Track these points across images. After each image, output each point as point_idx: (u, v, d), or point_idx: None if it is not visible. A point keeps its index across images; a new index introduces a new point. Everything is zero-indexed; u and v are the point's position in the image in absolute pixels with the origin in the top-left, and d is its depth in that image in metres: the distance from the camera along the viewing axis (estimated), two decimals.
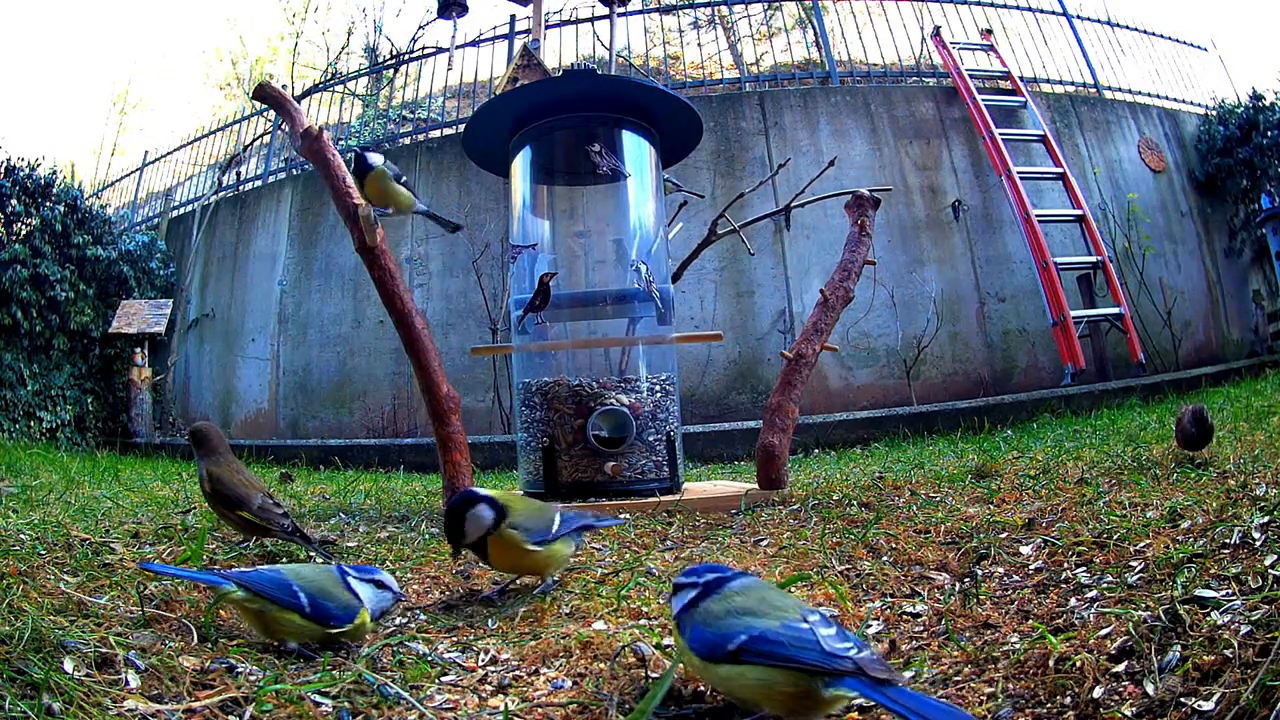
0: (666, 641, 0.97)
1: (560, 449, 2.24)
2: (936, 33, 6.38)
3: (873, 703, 0.66)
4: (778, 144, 5.66)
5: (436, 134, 6.78)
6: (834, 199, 2.99)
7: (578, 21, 6.64)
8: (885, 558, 1.36)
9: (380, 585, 1.05)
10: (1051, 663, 0.81)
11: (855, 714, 0.80)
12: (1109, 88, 6.79)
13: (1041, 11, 6.96)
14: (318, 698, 0.82)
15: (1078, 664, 0.80)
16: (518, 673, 0.93)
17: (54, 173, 6.40)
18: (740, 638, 0.69)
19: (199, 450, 1.54)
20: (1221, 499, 1.31)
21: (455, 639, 1.06)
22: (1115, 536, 1.21)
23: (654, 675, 0.89)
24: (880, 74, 6.46)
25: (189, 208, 7.66)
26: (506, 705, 0.84)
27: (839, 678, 0.65)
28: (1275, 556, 0.95)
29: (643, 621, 1.09)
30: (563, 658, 0.97)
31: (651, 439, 2.28)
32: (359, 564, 1.29)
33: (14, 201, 6.02)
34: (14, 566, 1.14)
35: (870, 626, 1.03)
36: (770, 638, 0.68)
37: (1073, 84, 6.72)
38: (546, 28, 3.38)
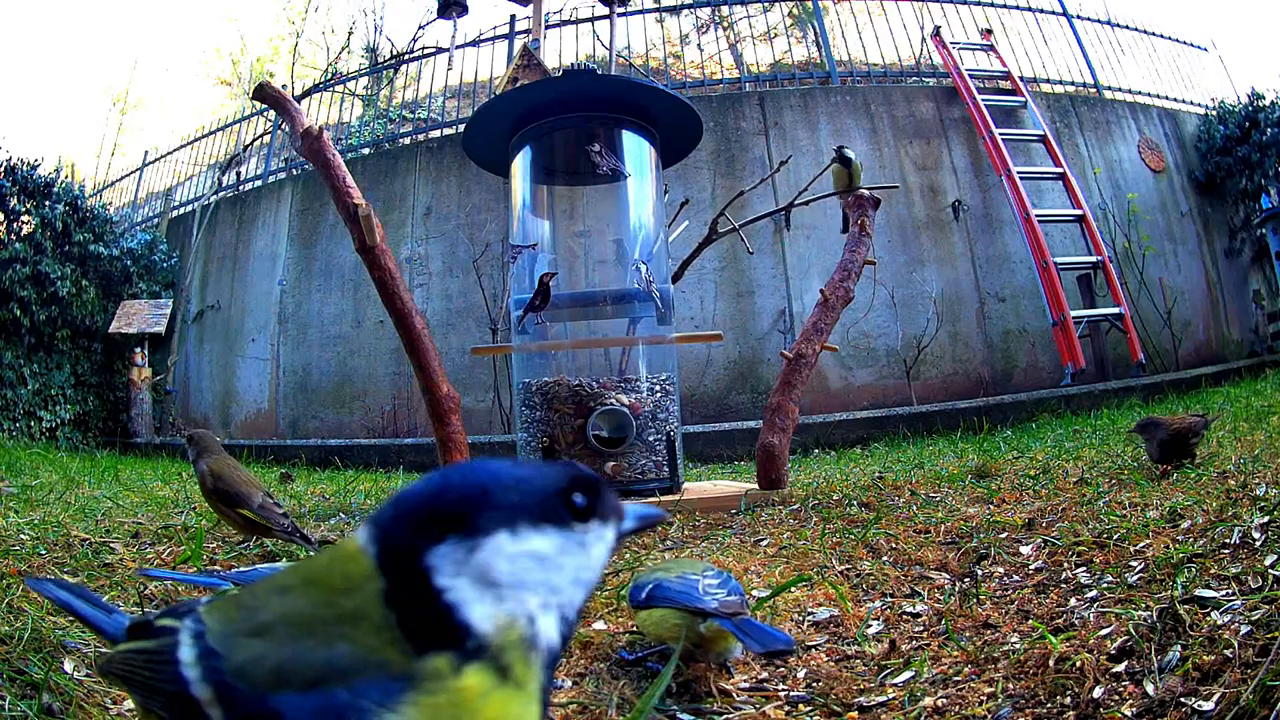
0: None
1: (560, 449, 2.24)
2: (936, 33, 6.38)
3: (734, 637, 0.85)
4: (778, 144, 5.66)
5: (436, 134, 6.78)
6: (834, 199, 2.99)
7: (578, 21, 6.64)
8: (885, 558, 1.36)
9: None
10: (1051, 663, 0.81)
11: (855, 714, 0.80)
12: (1109, 88, 6.79)
13: (1041, 11, 6.96)
14: None
15: (1078, 664, 0.80)
16: None
17: (55, 172, 6.40)
18: (649, 587, 0.91)
19: (196, 451, 1.54)
20: (1221, 499, 1.31)
21: None
22: (1115, 536, 1.21)
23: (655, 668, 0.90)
24: (880, 74, 6.46)
25: (189, 208, 7.66)
26: None
27: (707, 616, 0.85)
28: (1275, 556, 0.95)
29: None
30: (563, 657, 0.97)
31: (651, 439, 2.28)
32: None
33: (14, 200, 6.03)
34: (14, 566, 1.14)
35: (870, 626, 1.03)
36: (665, 585, 0.90)
37: (1073, 84, 6.72)
38: (546, 28, 3.38)
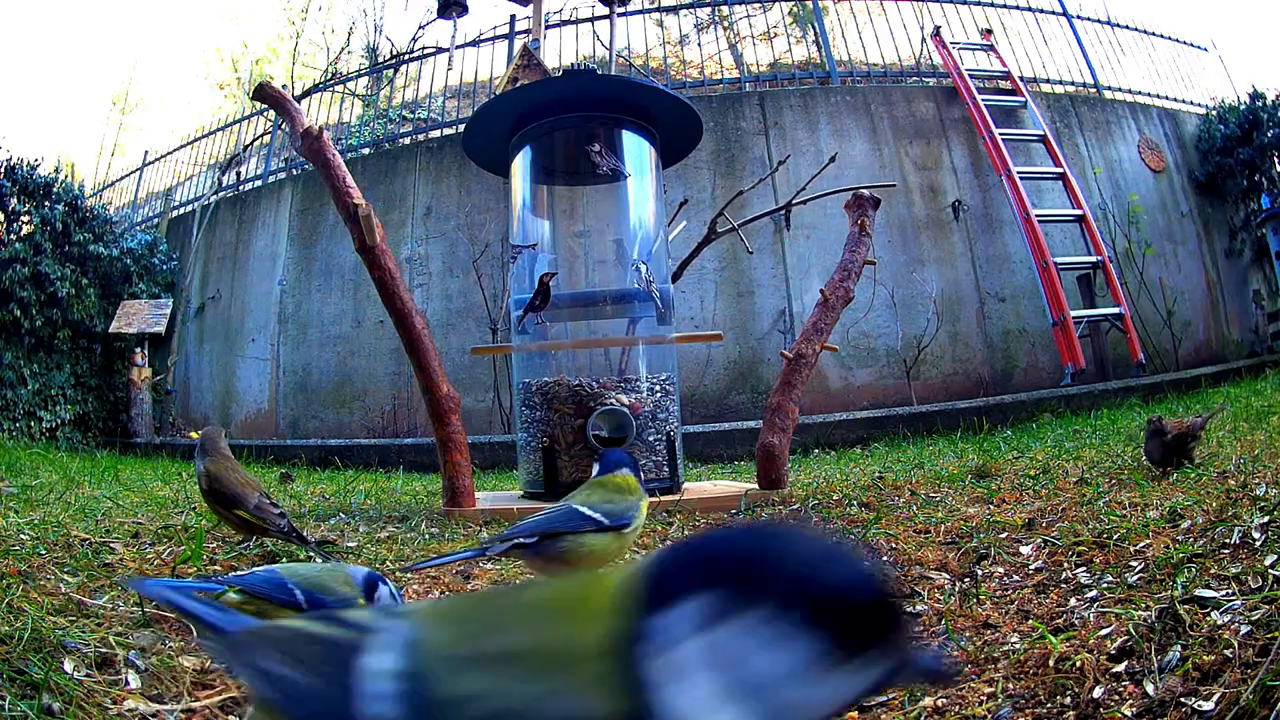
0: None
1: (560, 449, 2.24)
2: (936, 33, 6.38)
3: None
4: (778, 144, 5.66)
5: (436, 134, 6.78)
6: (834, 198, 3.00)
7: (578, 21, 6.64)
8: (885, 558, 1.36)
9: (393, 598, 1.01)
10: (1051, 663, 0.81)
11: (855, 713, 0.80)
12: (1109, 88, 6.79)
13: (1041, 11, 6.96)
14: None
15: (1078, 664, 0.80)
16: None
17: (55, 172, 6.40)
18: None
19: (200, 450, 1.54)
20: (1221, 499, 1.31)
21: None
22: (1115, 536, 1.21)
23: None
24: (880, 74, 6.47)
25: (189, 208, 7.66)
26: None
27: None
28: (1275, 556, 0.95)
29: None
30: None
31: (651, 439, 2.28)
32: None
33: (14, 200, 6.03)
34: (14, 566, 1.14)
35: None
36: None
37: (1073, 84, 6.72)
38: (546, 28, 3.38)
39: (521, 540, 1.13)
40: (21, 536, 1.38)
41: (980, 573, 1.20)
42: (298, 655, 0.41)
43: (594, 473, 1.29)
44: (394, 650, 0.38)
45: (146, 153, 9.06)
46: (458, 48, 6.49)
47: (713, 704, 0.33)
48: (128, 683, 0.82)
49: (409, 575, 1.41)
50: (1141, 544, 1.16)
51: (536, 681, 0.35)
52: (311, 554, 1.49)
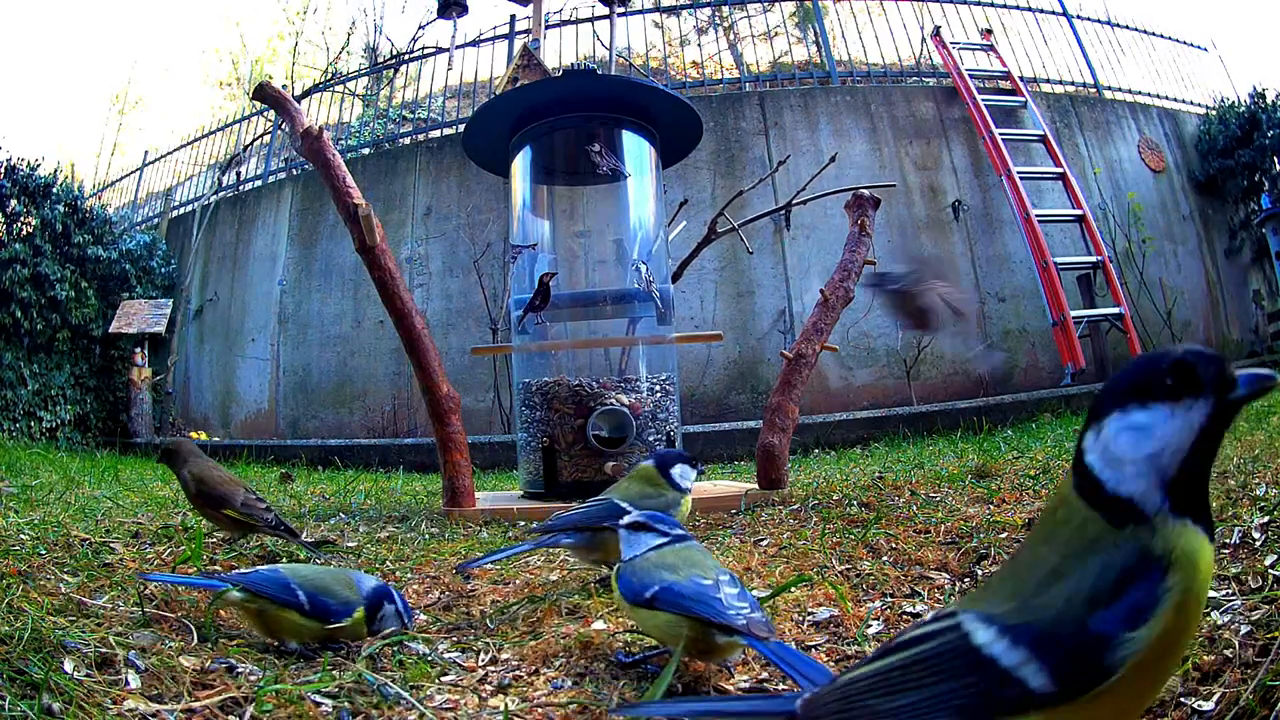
0: None
1: (560, 449, 2.24)
2: (936, 33, 6.38)
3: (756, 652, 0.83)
4: (778, 144, 5.66)
5: (436, 134, 6.78)
6: (834, 198, 3.00)
7: (578, 21, 6.64)
8: (885, 558, 1.36)
9: (400, 615, 1.03)
10: None
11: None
12: (1109, 88, 6.79)
13: (1041, 11, 6.97)
14: (318, 698, 0.82)
15: None
16: (518, 672, 0.93)
17: (55, 173, 6.40)
18: (654, 588, 0.84)
19: (174, 462, 1.54)
20: (1221, 499, 1.31)
21: (455, 639, 1.06)
22: None
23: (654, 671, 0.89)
24: (880, 74, 6.47)
25: (189, 208, 7.66)
26: (506, 705, 0.84)
27: (730, 632, 0.79)
28: (1275, 556, 0.95)
29: None
30: (563, 657, 0.97)
31: (651, 439, 2.28)
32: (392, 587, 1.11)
33: (14, 201, 6.02)
34: (14, 566, 1.14)
35: (870, 626, 1.03)
36: (675, 589, 0.83)
37: (1073, 84, 6.72)
38: (546, 28, 3.38)
39: (566, 532, 1.23)
40: (21, 536, 1.39)
41: (980, 573, 1.21)
42: (905, 677, 0.51)
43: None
44: (983, 625, 0.50)
45: (146, 153, 9.07)
46: (458, 48, 6.49)
47: (1119, 471, 0.49)
48: (128, 683, 0.82)
49: (409, 575, 1.41)
50: None
51: (1087, 570, 0.48)
52: (310, 553, 1.49)
